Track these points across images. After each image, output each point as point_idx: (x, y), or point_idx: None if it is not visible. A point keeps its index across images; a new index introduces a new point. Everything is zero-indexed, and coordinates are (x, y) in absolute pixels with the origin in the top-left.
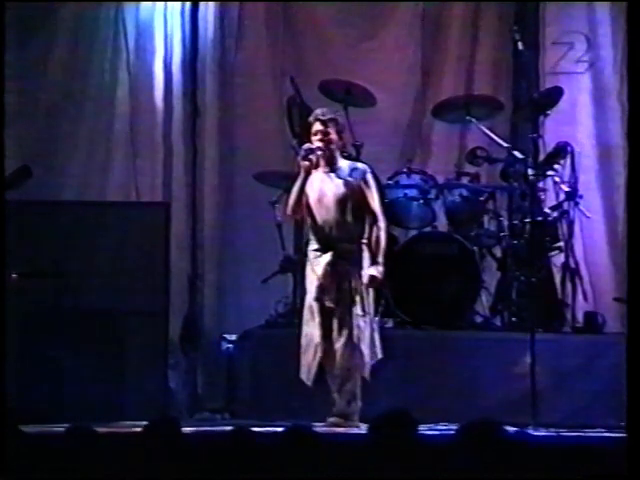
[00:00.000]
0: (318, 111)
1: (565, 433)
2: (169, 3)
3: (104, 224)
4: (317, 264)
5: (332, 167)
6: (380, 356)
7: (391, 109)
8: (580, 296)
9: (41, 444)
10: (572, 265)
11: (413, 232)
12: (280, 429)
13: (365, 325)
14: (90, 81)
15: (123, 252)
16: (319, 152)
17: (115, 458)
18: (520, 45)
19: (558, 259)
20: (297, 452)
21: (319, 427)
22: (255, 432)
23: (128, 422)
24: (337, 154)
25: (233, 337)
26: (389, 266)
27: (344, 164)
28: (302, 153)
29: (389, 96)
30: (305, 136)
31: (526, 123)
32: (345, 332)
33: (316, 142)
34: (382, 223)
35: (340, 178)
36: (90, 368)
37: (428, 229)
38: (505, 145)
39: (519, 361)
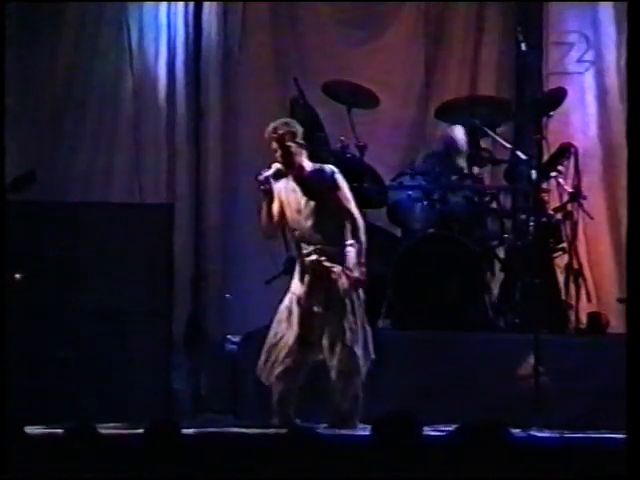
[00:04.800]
0: (270, 128)
1: (569, 434)
2: (172, 3)
3: (108, 225)
4: (302, 270)
5: (300, 174)
6: (373, 356)
7: (395, 110)
8: (584, 297)
9: (43, 444)
10: (576, 266)
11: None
12: (283, 430)
13: (357, 327)
14: (94, 82)
15: (127, 253)
16: (276, 172)
17: (116, 459)
18: (523, 45)
19: (562, 260)
20: (300, 453)
21: (322, 429)
22: (258, 433)
23: (131, 423)
24: (302, 159)
25: (237, 338)
26: (393, 267)
27: (311, 167)
28: (257, 183)
29: (393, 97)
30: (309, 137)
31: (530, 124)
32: (339, 336)
33: (278, 158)
34: (359, 222)
35: (309, 183)
36: (93, 368)
37: (431, 230)
38: (508, 146)
39: (523, 362)
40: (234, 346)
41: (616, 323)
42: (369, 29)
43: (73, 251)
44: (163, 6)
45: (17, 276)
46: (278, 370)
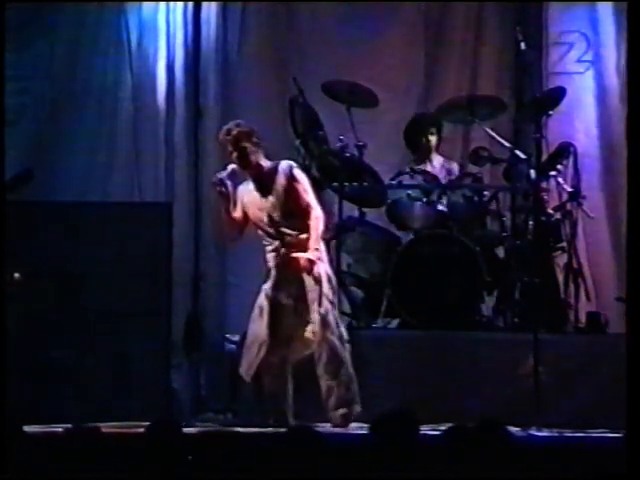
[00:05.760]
0: (223, 131)
1: (568, 434)
2: (172, 3)
3: (107, 224)
4: (270, 265)
5: (258, 172)
6: (347, 338)
7: (394, 109)
8: (583, 296)
9: (43, 444)
10: (575, 265)
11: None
12: (282, 429)
13: (326, 314)
14: (93, 81)
15: (126, 252)
16: (232, 173)
17: (117, 458)
18: (523, 45)
19: (561, 259)
20: (299, 453)
21: (322, 427)
22: (257, 432)
23: (131, 423)
24: (259, 157)
25: (236, 337)
26: (392, 267)
27: (269, 165)
28: (213, 185)
29: (392, 96)
30: (308, 137)
31: (529, 123)
32: (313, 324)
33: (234, 160)
34: (318, 213)
35: (267, 180)
36: (92, 369)
37: (431, 230)
38: (508, 145)
39: (522, 361)
40: (233, 345)
41: (616, 322)
42: (369, 28)
43: (72, 251)
44: (162, 6)
45: (16, 276)
46: (260, 367)
